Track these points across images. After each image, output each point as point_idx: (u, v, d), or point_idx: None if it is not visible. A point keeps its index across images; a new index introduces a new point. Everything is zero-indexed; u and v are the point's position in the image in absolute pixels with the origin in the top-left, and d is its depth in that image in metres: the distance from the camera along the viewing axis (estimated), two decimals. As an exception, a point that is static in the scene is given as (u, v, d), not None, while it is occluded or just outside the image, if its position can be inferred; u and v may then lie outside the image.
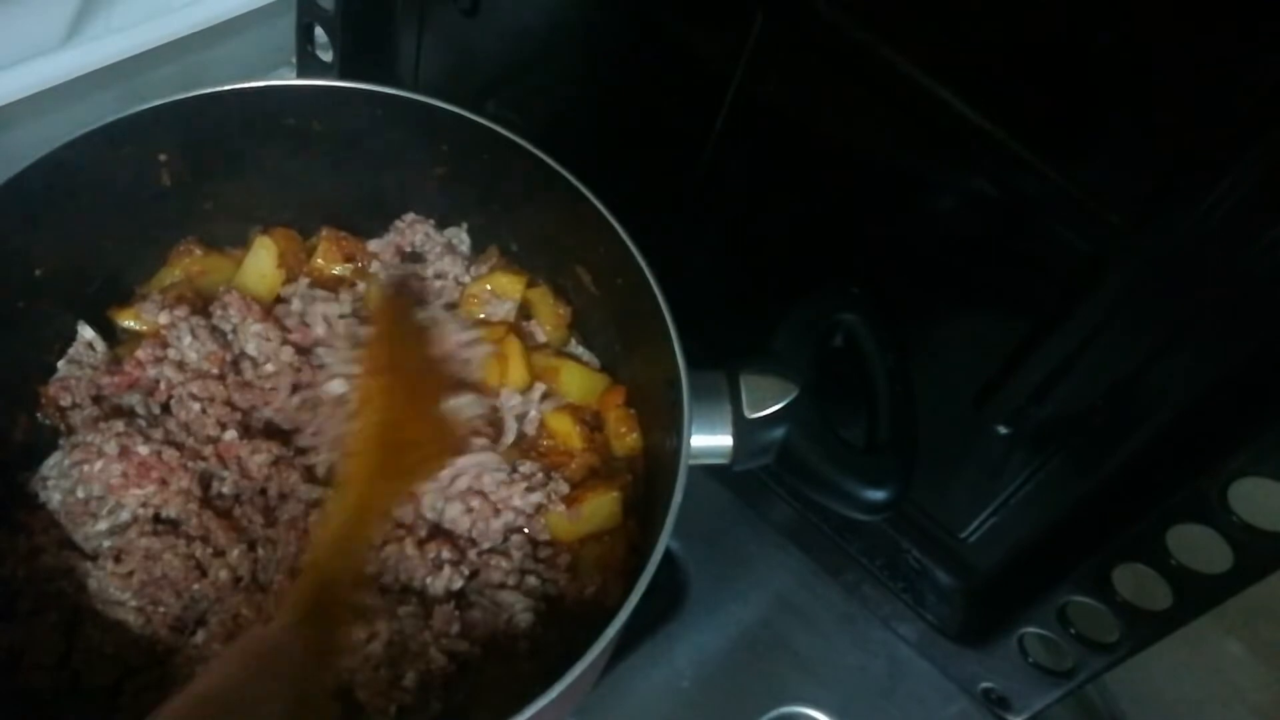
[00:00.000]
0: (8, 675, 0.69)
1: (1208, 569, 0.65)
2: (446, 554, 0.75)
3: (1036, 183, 0.65)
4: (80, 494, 0.74)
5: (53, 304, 0.80)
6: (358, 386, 0.73)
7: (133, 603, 0.71)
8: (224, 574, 0.72)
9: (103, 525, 0.73)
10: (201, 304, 0.84)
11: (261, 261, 0.87)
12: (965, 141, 0.66)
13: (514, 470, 0.80)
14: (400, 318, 0.74)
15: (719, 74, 0.78)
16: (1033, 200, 0.66)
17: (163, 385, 0.79)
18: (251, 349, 0.82)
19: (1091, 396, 0.71)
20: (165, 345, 0.80)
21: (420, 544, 0.75)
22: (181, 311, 0.81)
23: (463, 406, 0.75)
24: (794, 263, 0.85)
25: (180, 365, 0.80)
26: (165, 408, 0.79)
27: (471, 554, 0.76)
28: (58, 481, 0.75)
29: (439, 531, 0.77)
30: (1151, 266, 0.63)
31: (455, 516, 0.77)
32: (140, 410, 0.78)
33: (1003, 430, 0.77)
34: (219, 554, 0.73)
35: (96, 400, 0.79)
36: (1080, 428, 0.73)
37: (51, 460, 0.76)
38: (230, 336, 0.82)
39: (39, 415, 0.79)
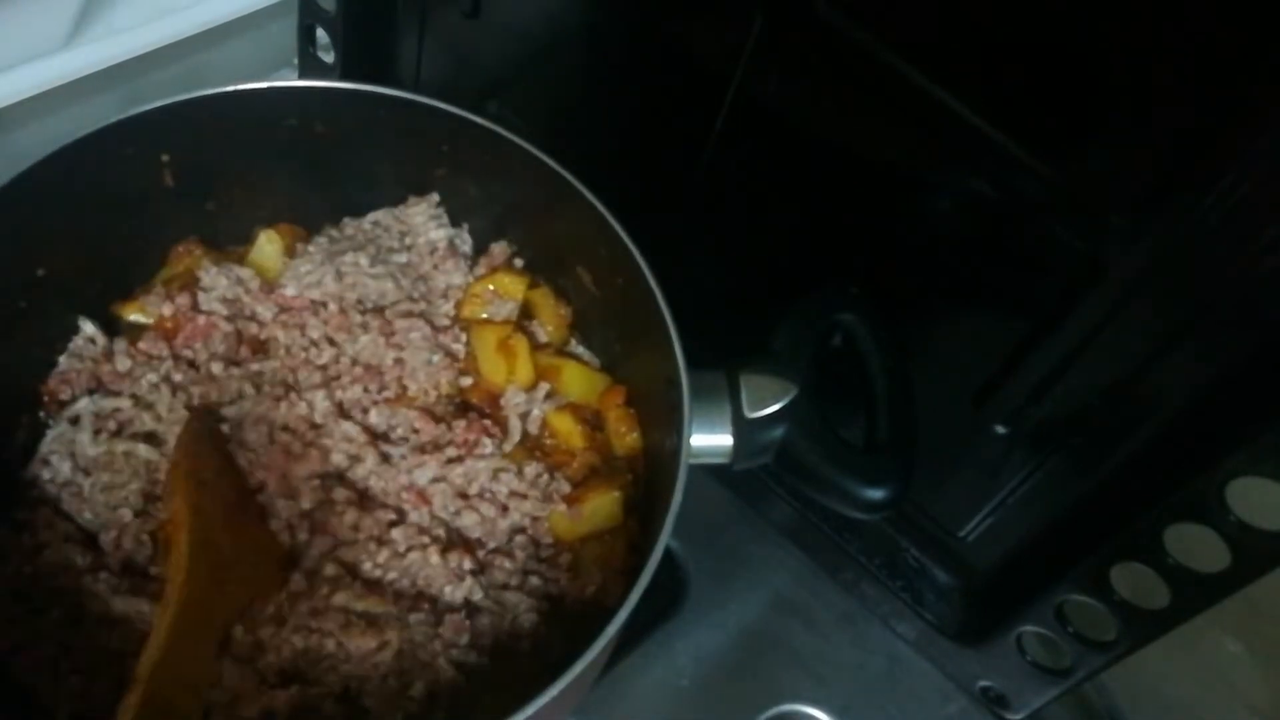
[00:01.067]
0: (10, 673, 0.69)
1: (1205, 568, 0.65)
2: (468, 564, 0.74)
3: (1036, 183, 0.65)
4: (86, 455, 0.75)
5: (55, 303, 0.80)
6: (170, 516, 0.73)
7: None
8: None
9: (100, 499, 0.74)
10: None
11: (267, 255, 0.87)
12: (964, 141, 0.66)
13: (520, 471, 0.80)
14: (204, 452, 0.74)
15: (719, 74, 0.78)
16: (1032, 200, 0.66)
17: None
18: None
19: (1090, 396, 0.71)
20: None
21: (443, 552, 0.74)
22: (185, 299, 0.82)
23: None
24: (794, 263, 0.85)
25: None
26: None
27: (480, 555, 0.76)
28: (61, 451, 0.76)
29: (458, 538, 0.77)
30: (1151, 266, 0.63)
31: (469, 519, 0.77)
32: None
33: (1001, 430, 0.77)
34: None
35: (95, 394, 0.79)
36: (1079, 427, 0.73)
37: (51, 434, 0.77)
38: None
39: (41, 414, 0.79)
